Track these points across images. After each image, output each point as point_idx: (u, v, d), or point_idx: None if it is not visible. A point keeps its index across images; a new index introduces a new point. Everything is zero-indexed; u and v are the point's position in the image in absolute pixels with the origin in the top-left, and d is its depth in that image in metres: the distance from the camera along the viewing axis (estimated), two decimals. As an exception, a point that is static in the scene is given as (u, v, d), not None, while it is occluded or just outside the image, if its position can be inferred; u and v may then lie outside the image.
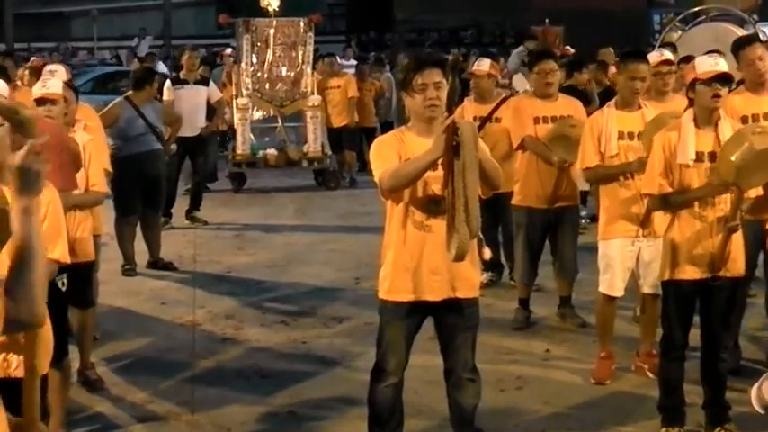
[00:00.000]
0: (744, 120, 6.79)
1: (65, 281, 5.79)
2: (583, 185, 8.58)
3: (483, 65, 9.71)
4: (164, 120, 11.00)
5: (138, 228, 10.61)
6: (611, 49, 14.29)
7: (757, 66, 7.00)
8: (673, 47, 12.49)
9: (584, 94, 10.97)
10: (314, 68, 16.63)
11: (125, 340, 8.25)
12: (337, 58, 19.79)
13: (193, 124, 12.89)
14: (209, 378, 7.43)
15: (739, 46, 7.27)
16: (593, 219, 11.07)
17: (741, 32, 15.81)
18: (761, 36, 13.25)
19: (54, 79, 6.63)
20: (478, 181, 5.05)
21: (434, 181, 5.22)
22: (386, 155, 5.35)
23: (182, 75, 13.45)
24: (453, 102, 11.70)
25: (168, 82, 13.28)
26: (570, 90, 10.73)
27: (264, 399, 6.96)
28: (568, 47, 19.93)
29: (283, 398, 6.97)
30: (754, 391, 2.19)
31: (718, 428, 6.04)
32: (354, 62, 21.93)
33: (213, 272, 10.65)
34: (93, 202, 7.04)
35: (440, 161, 5.10)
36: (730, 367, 6.31)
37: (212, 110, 13.56)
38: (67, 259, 4.69)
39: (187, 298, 9.59)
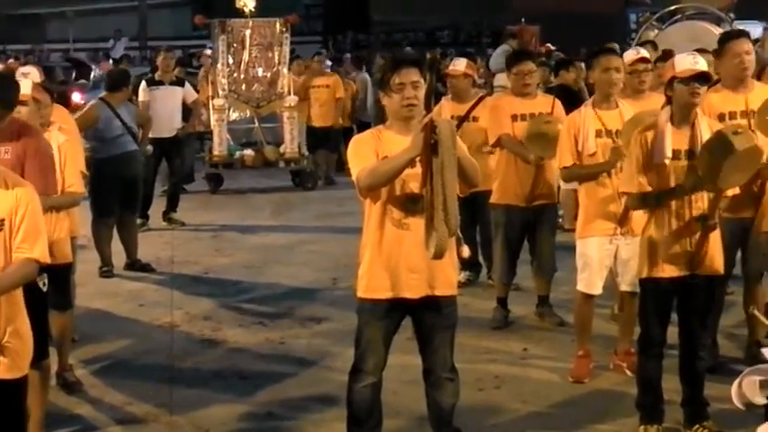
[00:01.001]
0: (721, 117, 6.80)
1: (46, 281, 5.76)
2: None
3: (458, 65, 9.72)
4: (136, 121, 10.95)
5: (115, 229, 10.57)
6: (616, 45, 14.29)
7: (743, 59, 6.96)
8: (653, 44, 12.54)
9: (576, 93, 10.99)
10: (289, 69, 16.62)
11: (103, 342, 8.21)
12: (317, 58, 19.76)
13: (170, 125, 12.87)
14: (187, 379, 7.41)
15: (728, 38, 7.26)
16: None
17: (718, 31, 15.88)
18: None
19: (24, 81, 6.59)
20: (457, 179, 5.06)
21: (412, 179, 5.22)
22: (363, 153, 5.35)
23: (157, 76, 13.42)
24: (431, 101, 11.69)
25: (143, 83, 13.24)
26: (561, 89, 10.77)
27: (243, 399, 6.94)
28: (549, 44, 19.97)
29: (262, 398, 6.95)
30: (734, 387, 2.20)
31: (697, 426, 6.05)
32: (329, 63, 21.91)
33: (191, 273, 10.62)
34: (71, 204, 6.99)
35: (418, 159, 5.10)
36: (708, 365, 6.32)
37: (189, 111, 13.53)
38: (47, 259, 4.68)
39: (165, 299, 9.56)
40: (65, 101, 9.85)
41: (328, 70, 17.97)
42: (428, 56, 19.96)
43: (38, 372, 5.66)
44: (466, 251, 5.69)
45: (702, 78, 5.86)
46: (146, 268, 10.65)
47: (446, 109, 9.38)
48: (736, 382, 2.20)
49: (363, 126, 15.76)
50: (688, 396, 6.14)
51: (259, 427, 6.58)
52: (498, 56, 18.71)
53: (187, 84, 13.86)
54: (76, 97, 14.03)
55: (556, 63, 12.68)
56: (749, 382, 2.21)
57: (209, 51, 20.04)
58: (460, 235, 5.49)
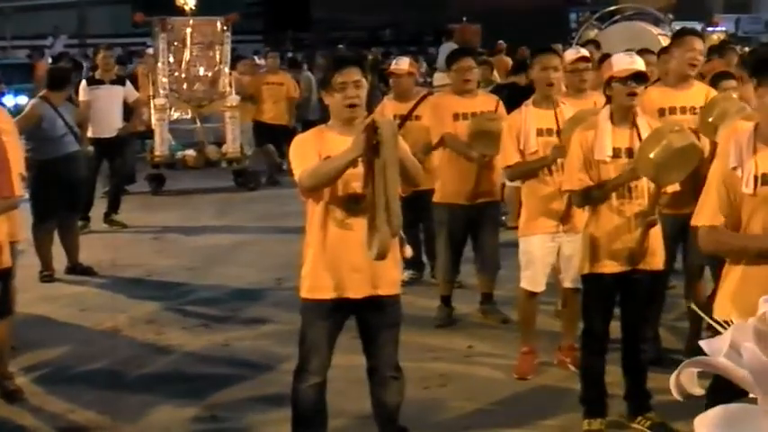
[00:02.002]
0: (661, 112, 6.89)
1: None
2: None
3: (402, 63, 9.72)
4: (76, 120, 10.82)
5: (56, 233, 10.45)
6: (559, 46, 14.37)
7: (696, 55, 7.10)
8: (596, 44, 12.62)
9: (527, 91, 11.06)
10: (233, 68, 16.55)
11: (44, 348, 8.09)
12: (256, 58, 19.76)
13: (110, 125, 12.69)
14: (130, 384, 7.33)
15: (686, 32, 7.38)
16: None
17: (657, 31, 16.10)
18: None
19: None
20: (399, 179, 5.07)
21: (355, 179, 5.22)
22: (305, 153, 5.33)
23: (97, 74, 13.22)
24: (373, 101, 11.69)
25: (84, 82, 13.07)
26: (513, 87, 10.81)
27: (188, 403, 6.88)
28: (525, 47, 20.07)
29: (207, 402, 6.89)
30: (673, 379, 2.24)
31: (640, 418, 6.13)
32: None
33: (133, 276, 10.52)
34: (9, 206, 6.90)
35: (360, 159, 5.10)
36: (650, 358, 6.39)
37: (129, 110, 13.39)
38: None
39: (107, 303, 9.46)
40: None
41: (262, 71, 18.03)
42: (370, 57, 20.03)
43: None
44: (408, 251, 5.70)
45: (639, 78, 5.92)
46: (87, 272, 10.52)
47: (388, 108, 9.37)
48: (674, 374, 2.23)
49: (308, 124, 15.78)
50: (631, 389, 6.20)
51: (204, 431, 6.53)
52: (444, 54, 18.85)
53: (128, 83, 13.72)
54: None
55: (518, 63, 12.79)
56: (687, 373, 2.24)
57: (151, 50, 19.93)
58: (403, 235, 5.49)
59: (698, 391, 2.25)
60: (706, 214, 4.38)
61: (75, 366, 7.74)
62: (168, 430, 6.49)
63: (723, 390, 2.37)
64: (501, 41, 20.11)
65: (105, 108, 12.68)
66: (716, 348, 2.16)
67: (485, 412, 6.63)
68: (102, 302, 9.52)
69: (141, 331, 8.55)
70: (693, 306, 2.74)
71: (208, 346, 8.13)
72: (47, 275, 10.26)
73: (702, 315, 2.50)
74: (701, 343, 2.19)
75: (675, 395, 2.31)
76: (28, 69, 24.80)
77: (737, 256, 4.39)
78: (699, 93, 7.15)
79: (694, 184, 6.58)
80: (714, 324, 2.33)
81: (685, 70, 7.12)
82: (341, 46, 26.79)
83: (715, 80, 7.64)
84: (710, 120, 6.67)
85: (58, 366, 7.75)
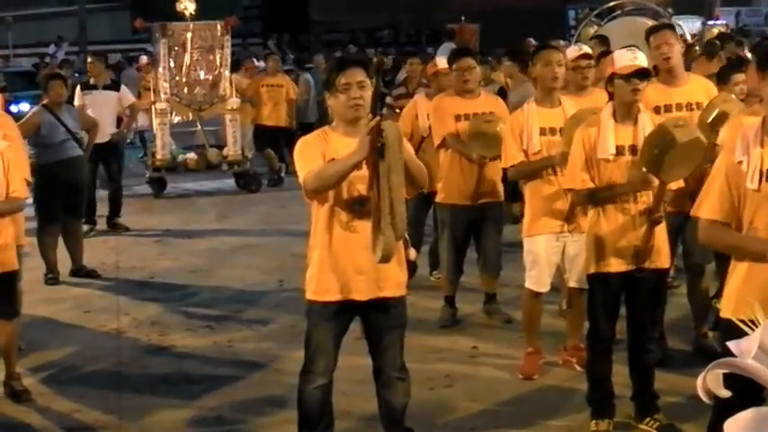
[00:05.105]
0: (656, 110, 6.87)
1: None
2: None
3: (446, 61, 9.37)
4: (82, 126, 10.88)
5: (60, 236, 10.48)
6: (561, 42, 14.15)
7: (662, 50, 7.05)
8: (603, 38, 12.55)
9: None
10: (233, 72, 16.56)
11: (50, 350, 8.13)
12: (254, 60, 19.74)
13: (103, 130, 12.60)
14: (135, 385, 7.34)
15: (650, 32, 7.37)
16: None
17: (657, 26, 15.97)
18: (676, 30, 13.32)
19: None
20: (403, 182, 5.06)
21: (359, 181, 5.20)
22: (310, 155, 5.31)
23: (91, 80, 13.27)
24: (377, 104, 11.63)
25: (78, 87, 13.09)
26: None
27: (192, 404, 6.89)
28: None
29: (211, 403, 6.90)
30: (700, 381, 2.21)
31: (648, 419, 6.10)
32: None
33: (136, 278, 10.55)
34: (14, 209, 6.91)
35: (364, 162, 5.09)
36: (657, 358, 6.37)
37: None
38: None
39: (111, 305, 9.48)
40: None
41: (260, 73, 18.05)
42: (374, 59, 19.96)
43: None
44: (412, 253, 5.69)
45: (642, 74, 5.91)
46: (91, 274, 10.56)
47: (421, 105, 9.24)
48: (701, 376, 2.20)
49: (305, 127, 15.78)
50: (638, 389, 6.17)
51: (209, 432, 6.55)
52: (443, 54, 18.69)
53: (123, 87, 13.73)
54: None
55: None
56: (713, 375, 2.21)
57: (144, 58, 19.94)
58: (407, 237, 5.49)
59: (724, 393, 2.19)
60: (707, 207, 4.36)
61: (81, 367, 7.77)
62: (173, 430, 6.50)
63: (733, 389, 2.35)
64: (530, 38, 19.93)
65: (97, 113, 12.62)
66: (744, 350, 2.11)
67: (490, 413, 6.62)
68: (106, 304, 9.55)
69: (145, 333, 8.57)
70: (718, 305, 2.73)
71: (211, 347, 8.14)
72: (51, 278, 10.29)
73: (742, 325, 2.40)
74: (730, 344, 2.14)
75: (703, 397, 2.26)
76: (30, 77, 24.90)
77: (732, 253, 4.39)
78: (696, 88, 7.14)
79: (694, 183, 6.61)
80: (745, 327, 2.27)
81: (662, 66, 7.11)
82: (350, 46, 26.70)
83: (724, 73, 7.63)
84: (709, 122, 6.67)
85: (63, 367, 7.78)
